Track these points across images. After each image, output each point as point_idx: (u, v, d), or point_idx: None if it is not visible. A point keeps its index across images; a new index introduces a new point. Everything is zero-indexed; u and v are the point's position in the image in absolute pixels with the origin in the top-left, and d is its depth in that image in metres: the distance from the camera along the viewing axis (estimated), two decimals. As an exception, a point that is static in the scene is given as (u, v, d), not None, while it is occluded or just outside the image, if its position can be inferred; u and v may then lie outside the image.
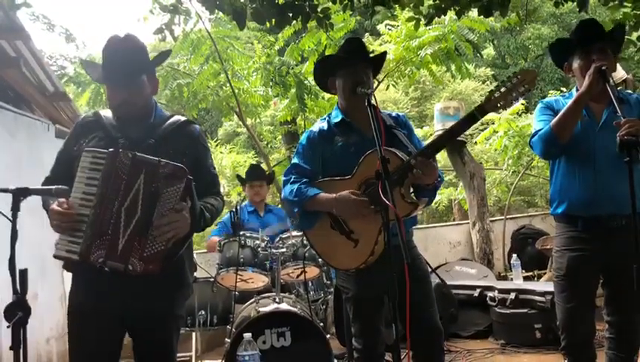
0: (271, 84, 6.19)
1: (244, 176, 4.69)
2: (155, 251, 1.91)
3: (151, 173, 1.91)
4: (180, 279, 2.16)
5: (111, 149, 1.91)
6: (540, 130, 2.49)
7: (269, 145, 12.77)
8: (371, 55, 2.60)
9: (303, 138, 2.60)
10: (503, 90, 2.12)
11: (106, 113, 2.16)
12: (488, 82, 17.07)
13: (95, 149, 1.94)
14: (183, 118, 2.21)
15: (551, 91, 8.26)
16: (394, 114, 2.63)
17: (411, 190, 2.37)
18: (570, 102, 2.38)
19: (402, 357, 1.97)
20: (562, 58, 2.56)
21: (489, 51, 20.21)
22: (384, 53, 2.66)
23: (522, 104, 6.90)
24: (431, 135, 8.40)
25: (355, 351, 2.51)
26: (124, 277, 1.92)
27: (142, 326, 2.08)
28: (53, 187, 1.83)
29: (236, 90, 6.22)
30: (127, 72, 2.04)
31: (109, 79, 2.09)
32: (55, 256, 1.89)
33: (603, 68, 2.27)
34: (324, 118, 2.61)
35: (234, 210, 3.72)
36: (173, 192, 1.93)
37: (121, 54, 2.05)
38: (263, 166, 6.21)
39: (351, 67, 2.45)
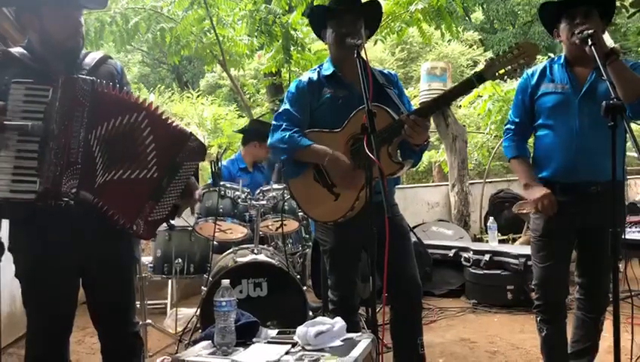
0: (256, 33, 6.01)
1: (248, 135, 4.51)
2: (158, 218, 1.94)
3: (180, 144, 1.91)
4: None
5: (64, 76, 1.78)
6: (511, 128, 2.60)
7: (251, 99, 12.57)
8: (362, 2, 2.47)
9: (292, 86, 2.54)
10: (502, 59, 2.10)
11: (18, 50, 1.91)
12: (475, 46, 16.97)
13: (27, 81, 1.73)
14: (100, 53, 2.07)
15: (539, 56, 8.22)
16: (386, 71, 2.58)
17: (398, 151, 2.35)
18: (523, 180, 2.52)
19: (377, 311, 1.99)
20: (552, 23, 2.49)
21: (478, 15, 20.03)
22: (376, 3, 2.52)
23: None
24: (415, 96, 8.33)
25: (330, 302, 2.54)
26: (80, 222, 1.85)
27: (104, 274, 2.00)
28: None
29: (221, 38, 6.05)
30: None
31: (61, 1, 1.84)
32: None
33: (590, 32, 2.16)
34: (315, 69, 2.55)
35: (214, 160, 3.66)
36: (191, 167, 1.95)
37: None
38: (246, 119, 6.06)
39: (339, 17, 2.37)
